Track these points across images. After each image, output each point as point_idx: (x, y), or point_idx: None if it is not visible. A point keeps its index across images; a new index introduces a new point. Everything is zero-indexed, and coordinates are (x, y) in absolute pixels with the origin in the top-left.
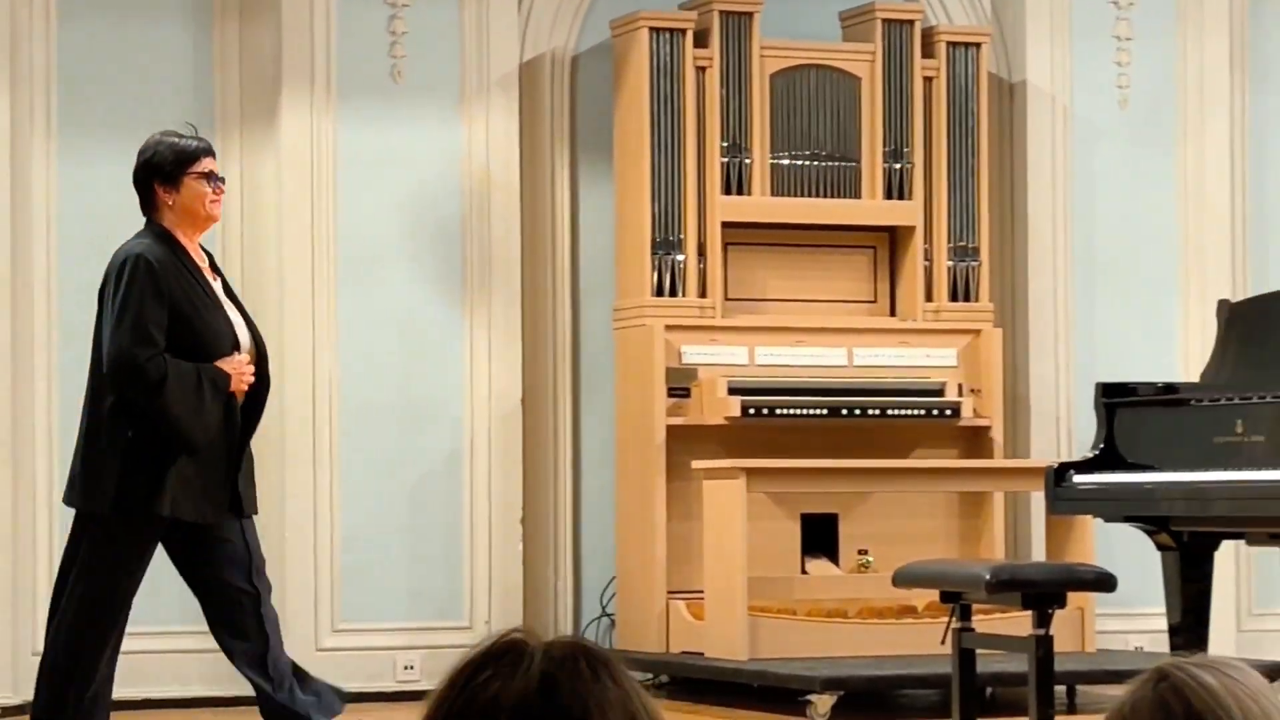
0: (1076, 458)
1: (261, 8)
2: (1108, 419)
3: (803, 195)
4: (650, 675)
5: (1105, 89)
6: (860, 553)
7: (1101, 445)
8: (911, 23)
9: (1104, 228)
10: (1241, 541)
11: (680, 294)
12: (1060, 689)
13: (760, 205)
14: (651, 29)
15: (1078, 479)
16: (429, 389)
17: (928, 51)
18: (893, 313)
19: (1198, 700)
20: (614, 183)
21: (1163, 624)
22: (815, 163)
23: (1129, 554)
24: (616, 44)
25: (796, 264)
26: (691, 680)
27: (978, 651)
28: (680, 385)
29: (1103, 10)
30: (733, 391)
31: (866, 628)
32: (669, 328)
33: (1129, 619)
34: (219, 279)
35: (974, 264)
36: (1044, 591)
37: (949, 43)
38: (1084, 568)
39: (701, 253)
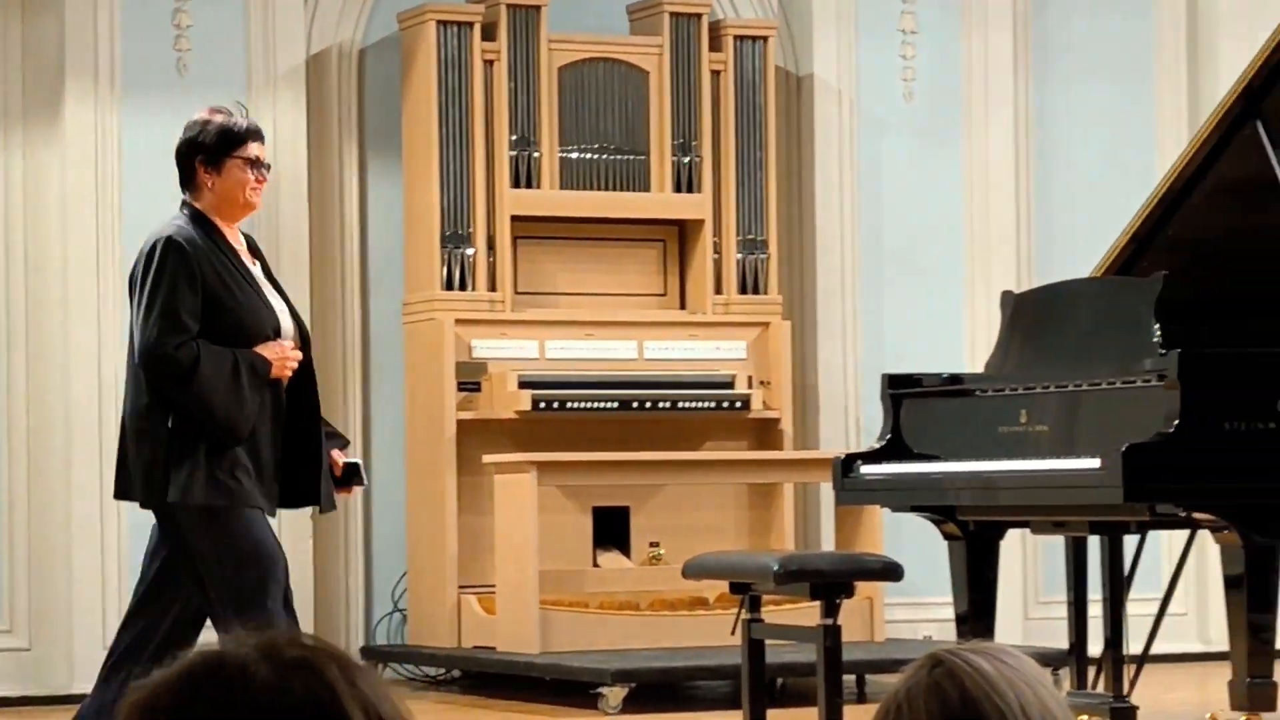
0: (865, 449)
1: (44, 1)
2: (894, 410)
3: (592, 189)
4: (442, 670)
5: (891, 83)
6: (651, 545)
7: (888, 436)
8: (699, 16)
9: (890, 220)
10: (1027, 530)
11: (470, 288)
12: (850, 678)
13: (549, 199)
14: (439, 22)
15: (865, 470)
16: None
17: (715, 45)
18: (683, 306)
19: (972, 685)
20: (403, 176)
21: (951, 613)
22: (604, 156)
23: (918, 544)
24: (404, 37)
25: (586, 257)
26: (484, 674)
27: (769, 642)
28: (470, 379)
29: (888, 5)
30: (523, 385)
31: (658, 620)
32: (459, 321)
33: (918, 608)
34: (258, 263)
35: (762, 257)
36: (831, 581)
37: (736, 36)
38: (871, 557)
39: (491, 246)
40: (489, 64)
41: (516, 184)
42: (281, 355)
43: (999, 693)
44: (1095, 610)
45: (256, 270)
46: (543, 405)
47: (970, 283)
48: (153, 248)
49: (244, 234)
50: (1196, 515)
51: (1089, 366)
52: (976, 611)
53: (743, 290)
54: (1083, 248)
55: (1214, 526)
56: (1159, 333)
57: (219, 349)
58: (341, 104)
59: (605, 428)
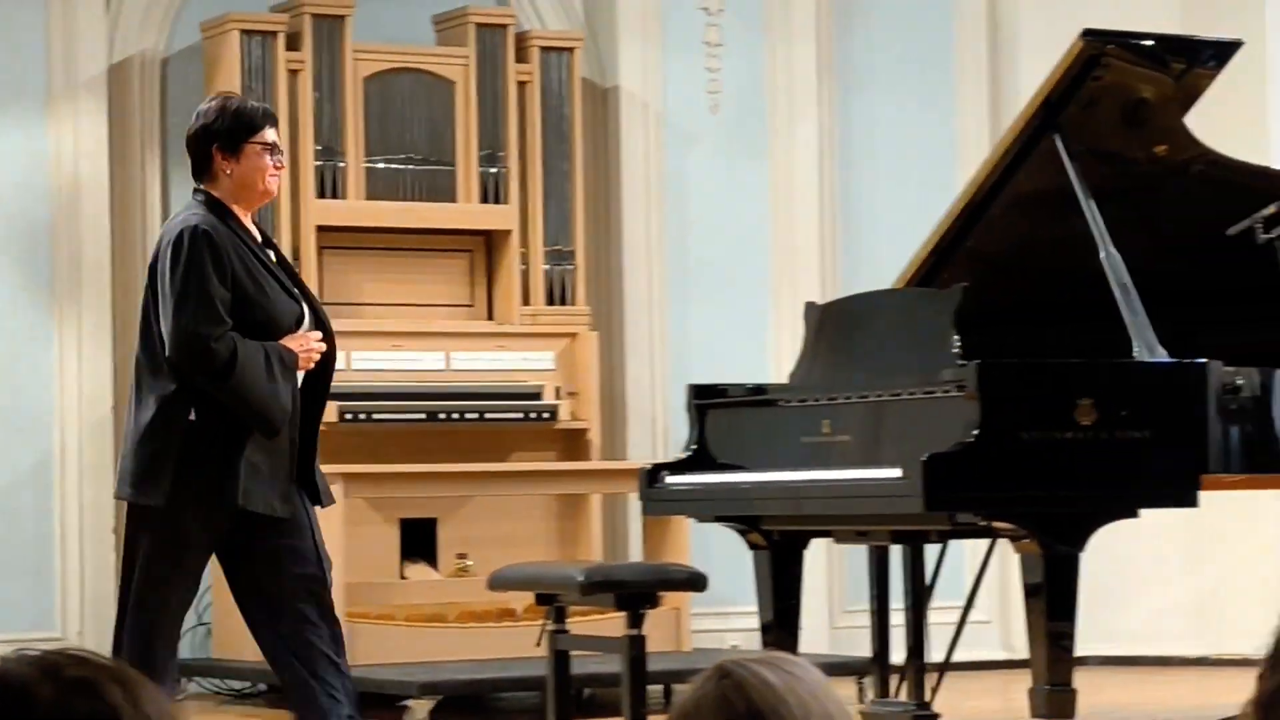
0: (672, 459)
1: None
2: (699, 420)
3: (398, 199)
4: (247, 684)
5: (696, 94)
6: (459, 557)
7: (693, 447)
8: (504, 27)
9: (697, 231)
10: (833, 540)
11: None
12: (657, 688)
13: (355, 209)
14: (242, 31)
15: (670, 480)
16: (16, 397)
17: (521, 56)
18: (490, 316)
19: (759, 697)
20: None
21: (757, 622)
22: (410, 166)
23: (725, 554)
24: (207, 46)
25: (393, 268)
26: None
27: (576, 653)
28: None
29: (693, 17)
30: (330, 397)
31: (466, 632)
32: None
33: (725, 618)
34: (273, 253)
35: (569, 268)
36: (636, 592)
37: (542, 48)
38: (676, 568)
39: (296, 256)
40: (293, 74)
41: (322, 194)
42: (306, 347)
43: (785, 703)
44: (900, 619)
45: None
46: (349, 417)
47: (776, 294)
48: (179, 237)
49: (255, 224)
50: (996, 524)
51: (891, 377)
52: (781, 621)
53: (550, 301)
54: (887, 259)
55: (1013, 535)
56: (958, 343)
57: (250, 342)
58: (144, 113)
59: (412, 439)
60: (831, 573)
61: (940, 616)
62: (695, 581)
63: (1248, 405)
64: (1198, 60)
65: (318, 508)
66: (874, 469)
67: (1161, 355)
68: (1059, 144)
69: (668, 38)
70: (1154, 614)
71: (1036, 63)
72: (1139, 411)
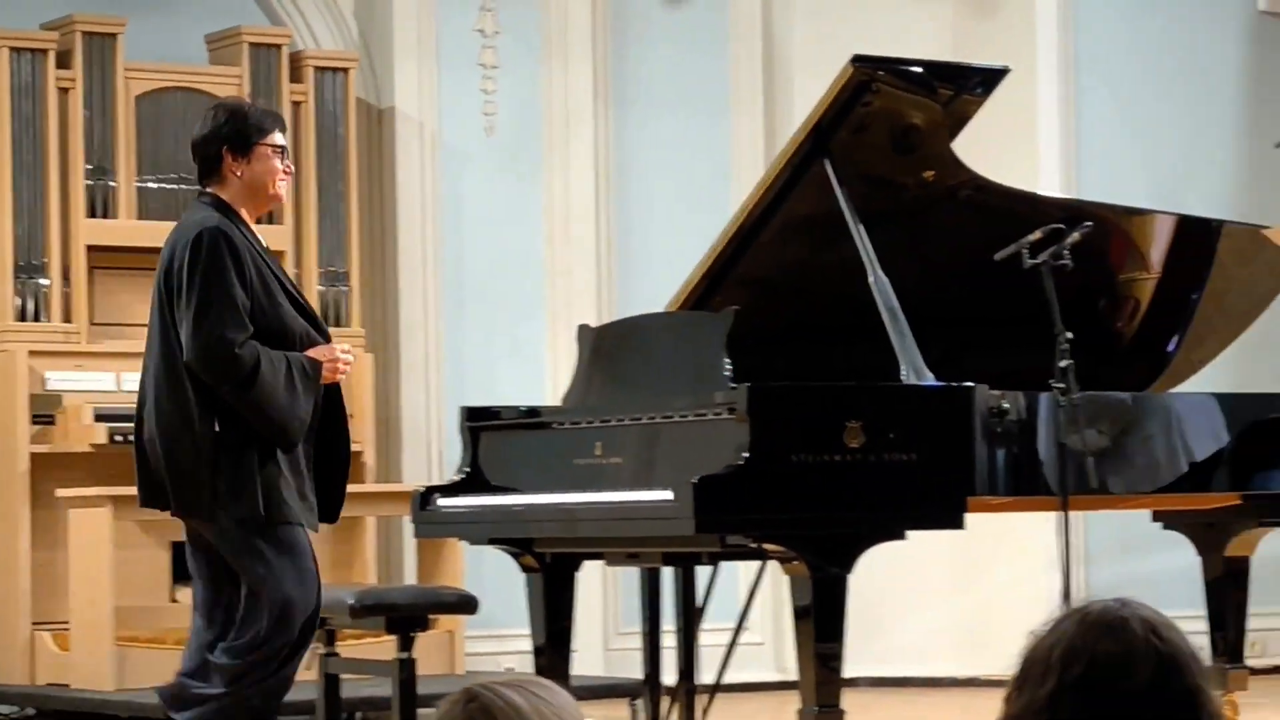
0: (446, 481)
1: None
2: (472, 442)
3: (171, 219)
4: (15, 708)
5: (472, 116)
6: None
7: (466, 469)
8: (278, 47)
9: (472, 253)
10: (606, 562)
11: (44, 319)
12: (429, 711)
13: (126, 229)
14: (11, 49)
15: (442, 502)
16: None
17: (296, 76)
18: None
19: (504, 719)
20: None
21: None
22: (183, 186)
23: (500, 576)
24: None
25: None
26: (59, 713)
27: (347, 676)
28: (45, 412)
29: (469, 38)
30: (99, 418)
31: None
32: (32, 353)
33: (500, 640)
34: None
35: (344, 289)
36: (406, 615)
37: (316, 68)
38: (447, 591)
39: (66, 277)
40: (64, 92)
41: (93, 214)
42: (333, 358)
43: None
44: (672, 640)
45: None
46: (119, 439)
47: (552, 316)
48: (197, 238)
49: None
50: (767, 546)
51: (664, 400)
52: (553, 643)
53: (325, 322)
54: (663, 281)
55: (783, 557)
56: (730, 366)
57: (273, 351)
58: None
59: None
60: (607, 595)
61: (714, 638)
62: (466, 604)
63: (1013, 428)
64: (965, 87)
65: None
66: (645, 491)
67: (929, 379)
68: (829, 169)
69: (443, 59)
70: (923, 635)
71: (811, 86)
72: (906, 434)
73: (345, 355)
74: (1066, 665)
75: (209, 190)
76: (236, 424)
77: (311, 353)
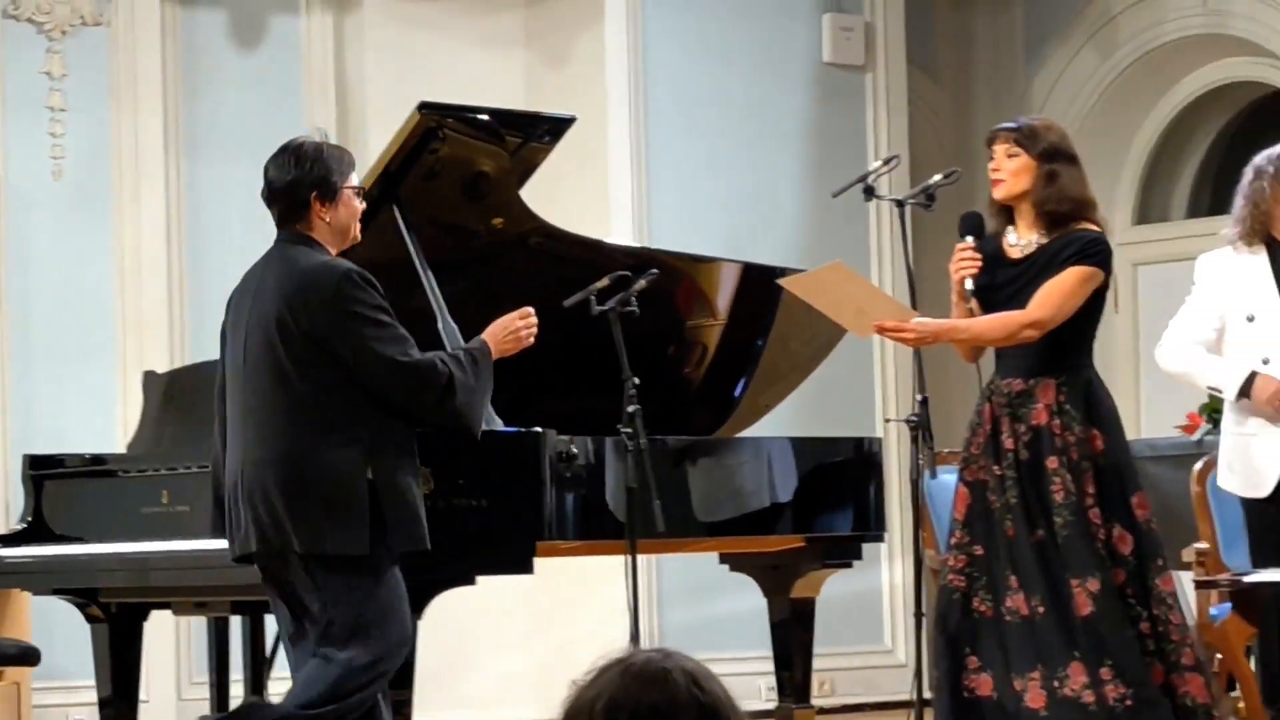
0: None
1: None
2: (35, 491)
3: None
4: None
5: (39, 159)
6: None
7: (29, 518)
8: None
9: (40, 299)
10: (174, 611)
11: None
12: None
13: None
14: None
15: (3, 552)
16: None
17: None
18: None
19: None
20: None
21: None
22: None
23: (69, 627)
24: None
25: None
26: None
27: None
28: None
29: (35, 81)
30: None
31: None
32: None
33: (69, 692)
34: None
35: None
36: None
37: None
38: (8, 642)
39: None
40: None
41: None
42: (514, 328)
43: None
44: (240, 690)
45: None
46: None
47: (124, 363)
48: (345, 278)
49: None
50: None
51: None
52: (120, 693)
53: None
54: None
55: None
56: None
57: (444, 352)
58: None
59: None
60: (179, 644)
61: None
62: (28, 656)
63: (581, 473)
64: (533, 135)
65: None
66: (210, 540)
67: (498, 424)
68: (398, 215)
69: (9, 101)
70: (502, 678)
71: (386, 133)
72: (476, 480)
73: (524, 323)
74: (610, 717)
75: (300, 230)
76: (387, 455)
77: (490, 328)
